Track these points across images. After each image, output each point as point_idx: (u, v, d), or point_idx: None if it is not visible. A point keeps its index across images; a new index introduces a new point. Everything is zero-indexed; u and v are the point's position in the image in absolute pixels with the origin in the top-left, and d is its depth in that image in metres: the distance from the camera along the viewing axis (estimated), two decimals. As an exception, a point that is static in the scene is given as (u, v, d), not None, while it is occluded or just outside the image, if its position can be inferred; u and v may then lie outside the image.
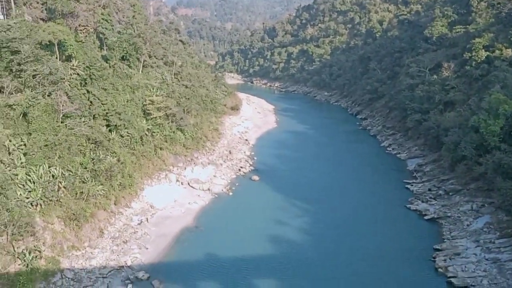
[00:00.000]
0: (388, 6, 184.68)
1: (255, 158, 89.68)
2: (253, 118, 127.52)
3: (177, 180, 69.89)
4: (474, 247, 51.34)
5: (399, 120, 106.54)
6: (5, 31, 54.14)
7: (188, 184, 69.67)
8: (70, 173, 50.00)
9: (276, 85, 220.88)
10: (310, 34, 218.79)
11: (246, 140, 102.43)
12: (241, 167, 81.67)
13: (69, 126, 53.68)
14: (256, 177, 77.31)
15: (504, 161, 57.31)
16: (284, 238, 55.09)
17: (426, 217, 61.13)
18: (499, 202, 55.91)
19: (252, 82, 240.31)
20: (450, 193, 66.39)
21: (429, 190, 69.69)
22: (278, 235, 55.74)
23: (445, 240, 54.07)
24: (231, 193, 69.82)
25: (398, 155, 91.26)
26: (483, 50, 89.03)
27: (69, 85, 58.85)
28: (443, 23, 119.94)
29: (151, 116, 74.00)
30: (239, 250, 51.60)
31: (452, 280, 45.93)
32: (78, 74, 61.72)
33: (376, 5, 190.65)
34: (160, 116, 74.94)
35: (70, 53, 63.00)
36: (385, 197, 69.48)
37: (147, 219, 57.12)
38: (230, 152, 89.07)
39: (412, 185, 73.17)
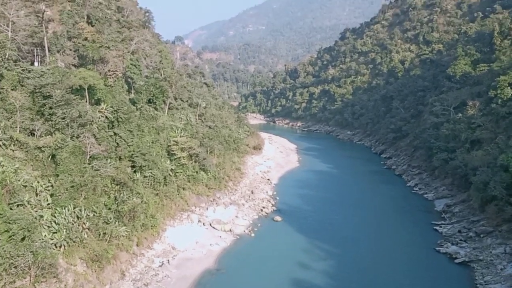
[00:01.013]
0: (410, 46, 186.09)
1: (277, 198, 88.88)
2: (275, 157, 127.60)
3: (199, 221, 69.63)
4: (511, 294, 48.34)
5: (425, 159, 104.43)
6: (38, 77, 57.16)
7: (210, 224, 69.21)
8: (95, 213, 50.63)
9: (298, 124, 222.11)
10: (332, 74, 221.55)
11: (268, 179, 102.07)
12: (263, 207, 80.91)
13: (95, 167, 54.96)
14: (278, 218, 76.25)
15: (537, 201, 54.96)
16: (309, 282, 53.31)
17: (456, 261, 58.30)
18: (535, 245, 53.03)
19: (274, 122, 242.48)
20: (481, 235, 63.48)
21: (459, 232, 66.89)
22: (302, 279, 54.04)
23: (478, 286, 51.19)
24: (253, 234, 68.83)
25: (425, 195, 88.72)
26: (508, 87, 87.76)
27: (97, 127, 60.87)
28: (466, 61, 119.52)
29: (175, 157, 75.14)
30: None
31: (488, 330, 43.05)
32: (106, 117, 63.92)
33: (397, 45, 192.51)
34: (183, 157, 76.00)
35: (99, 97, 65.62)
36: (412, 240, 66.94)
37: (168, 261, 56.62)
38: (252, 192, 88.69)
39: (441, 227, 70.48)
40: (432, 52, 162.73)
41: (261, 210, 79.81)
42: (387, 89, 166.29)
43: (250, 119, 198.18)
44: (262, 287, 52.04)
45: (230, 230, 68.47)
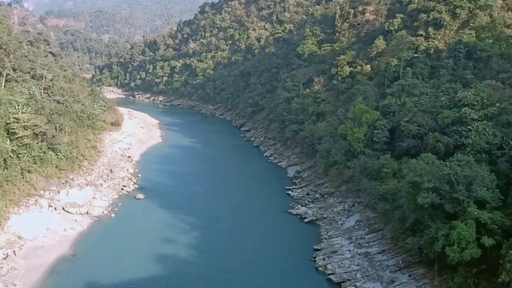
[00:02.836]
0: (265, 24, 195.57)
1: (139, 175, 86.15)
2: (136, 133, 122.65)
3: (50, 206, 63.33)
4: (348, 244, 56.51)
5: (279, 131, 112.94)
6: None
7: (63, 209, 63.63)
8: None
9: (160, 99, 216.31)
10: (193, 48, 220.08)
11: (129, 157, 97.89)
12: (124, 186, 77.66)
13: None
14: (141, 196, 74.24)
15: (368, 164, 64.70)
16: (174, 257, 53.70)
17: (305, 220, 65.53)
18: (366, 201, 62.70)
19: (134, 96, 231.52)
20: (325, 196, 72.34)
21: (307, 194, 75.00)
22: (167, 254, 54.12)
23: (323, 240, 58.53)
24: (113, 215, 65.76)
25: (279, 164, 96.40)
26: (347, 66, 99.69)
27: None
28: (313, 41, 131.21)
29: (17, 136, 66.17)
30: (125, 275, 48.69)
31: (331, 277, 49.81)
32: None
33: (254, 23, 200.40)
34: (27, 136, 67.38)
35: None
36: (269, 205, 72.62)
37: (14, 252, 50.57)
38: (111, 171, 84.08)
39: (292, 191, 77.88)
40: (284, 31, 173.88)
41: (122, 189, 76.49)
42: (245, 65, 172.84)
43: (106, 93, 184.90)
44: (125, 267, 50.52)
45: (87, 213, 64.16)
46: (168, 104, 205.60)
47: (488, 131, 52.08)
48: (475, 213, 40.16)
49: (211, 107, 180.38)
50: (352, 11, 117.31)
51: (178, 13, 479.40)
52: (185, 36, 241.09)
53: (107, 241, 57.05)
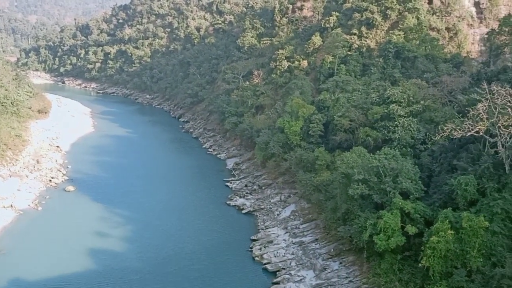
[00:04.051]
0: (204, 14, 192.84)
1: (69, 166, 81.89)
2: (66, 122, 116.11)
3: (-32, 199, 58.39)
4: (284, 234, 58.31)
5: (218, 122, 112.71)
6: None
7: (-17, 202, 58.96)
8: None
9: (92, 86, 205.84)
10: (129, 34, 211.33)
11: (58, 147, 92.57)
12: (52, 178, 73.56)
13: None
14: (71, 188, 70.75)
15: (304, 156, 66.90)
16: (106, 251, 52.00)
17: (243, 211, 66.51)
18: (301, 192, 64.95)
19: (63, 83, 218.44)
20: (263, 187, 73.83)
21: (246, 186, 76.03)
22: (99, 249, 52.28)
23: (260, 231, 59.84)
24: (40, 208, 62.15)
25: (218, 156, 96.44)
26: (285, 60, 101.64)
27: None
28: (253, 34, 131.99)
29: None
30: (53, 272, 46.42)
31: (267, 266, 51.20)
32: None
33: (193, 12, 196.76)
34: None
35: None
36: (207, 196, 72.59)
37: None
38: (38, 162, 79.10)
39: (231, 183, 78.47)
40: (224, 22, 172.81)
41: (50, 180, 72.40)
42: (184, 54, 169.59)
43: (33, 78, 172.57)
44: (54, 263, 48.07)
45: (11, 206, 60.07)
46: (101, 91, 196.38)
47: (413, 127, 56.14)
48: (400, 203, 43.29)
49: (148, 96, 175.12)
50: (291, 6, 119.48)
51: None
52: (121, 21, 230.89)
53: (33, 236, 53.90)
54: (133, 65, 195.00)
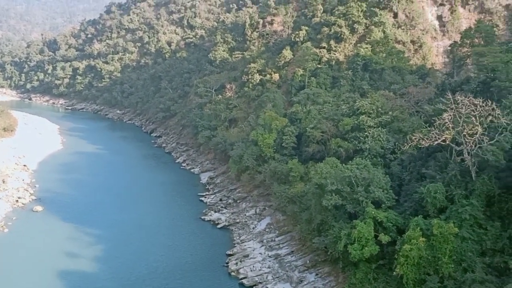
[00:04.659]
0: (175, 28, 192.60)
1: (37, 185, 79.22)
2: (33, 140, 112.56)
3: None
4: (260, 247, 58.03)
5: (191, 136, 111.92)
6: None
7: None
8: None
9: (60, 102, 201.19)
10: (98, 49, 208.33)
11: (25, 165, 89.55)
12: (19, 198, 71.00)
13: None
14: (39, 208, 68.34)
15: (278, 168, 67.17)
16: (77, 272, 50.32)
17: (218, 226, 65.84)
18: (276, 204, 64.99)
19: (30, 99, 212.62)
20: (238, 201, 73.47)
21: (220, 200, 75.47)
22: (70, 270, 50.53)
23: (236, 245, 59.32)
24: (6, 230, 59.66)
25: (192, 170, 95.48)
26: (257, 74, 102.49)
27: None
28: (224, 48, 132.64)
29: None
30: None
31: (243, 281, 50.71)
32: None
33: (164, 26, 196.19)
34: None
35: None
36: (181, 212, 71.53)
37: None
38: (3, 181, 76.21)
39: (205, 197, 77.75)
40: (195, 36, 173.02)
41: (17, 201, 69.84)
42: (155, 69, 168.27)
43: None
44: (19, 287, 45.94)
45: (-26, 229, 57.29)
46: (70, 108, 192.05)
47: (382, 137, 57.46)
48: (373, 212, 43.97)
49: (118, 111, 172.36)
50: (261, 21, 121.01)
51: (81, 12, 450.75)
52: (90, 36, 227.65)
53: (-1, 260, 51.50)
54: (103, 80, 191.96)
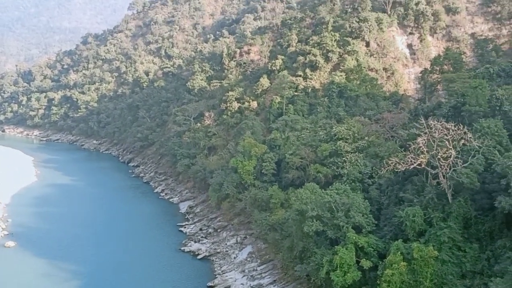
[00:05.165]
0: (153, 58, 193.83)
1: (9, 220, 76.38)
2: (6, 172, 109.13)
3: None
4: (241, 277, 56.94)
5: (170, 165, 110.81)
6: None
7: None
8: None
9: (35, 133, 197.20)
10: (74, 80, 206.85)
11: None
12: (-10, 234, 67.96)
13: None
14: (11, 243, 65.68)
15: (258, 195, 66.91)
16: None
17: (199, 257, 64.49)
18: (257, 232, 64.35)
19: (3, 131, 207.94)
20: (218, 230, 72.42)
21: (200, 229, 74.24)
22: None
23: (217, 276, 58.07)
24: (-25, 268, 56.70)
25: (171, 200, 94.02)
26: (235, 102, 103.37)
27: None
28: (202, 77, 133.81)
29: None
30: None
31: (226, 312, 49.37)
32: None
33: (141, 56, 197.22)
34: None
35: None
36: (160, 244, 69.81)
37: None
38: (-27, 217, 73.01)
39: (185, 227, 76.36)
40: (173, 66, 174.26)
41: (-13, 237, 66.75)
42: (133, 98, 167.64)
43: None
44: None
45: None
46: (44, 139, 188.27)
47: (360, 162, 58.30)
48: (354, 237, 44.03)
49: (95, 142, 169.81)
50: (239, 50, 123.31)
51: (57, 43, 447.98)
52: (66, 67, 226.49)
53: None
54: (79, 110, 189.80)
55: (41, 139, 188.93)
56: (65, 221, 79.02)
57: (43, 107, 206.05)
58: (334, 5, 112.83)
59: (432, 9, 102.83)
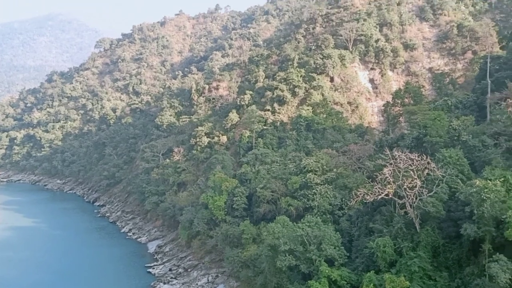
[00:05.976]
0: (120, 95, 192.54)
1: (-38, 268, 71.13)
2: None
3: None
4: (214, 318, 54.86)
5: (138, 203, 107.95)
6: None
7: None
8: None
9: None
10: (38, 118, 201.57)
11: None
12: None
13: None
14: (-37, 294, 60.82)
15: (229, 231, 65.74)
16: None
17: (169, 299, 61.91)
18: (229, 270, 62.77)
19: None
20: (189, 270, 70.14)
21: (170, 270, 71.65)
22: None
23: (188, 318, 55.70)
24: None
25: (138, 239, 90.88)
26: (205, 136, 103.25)
27: None
28: (171, 113, 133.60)
29: None
30: None
31: None
32: None
33: (109, 93, 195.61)
34: None
35: None
36: (126, 287, 66.60)
37: None
38: None
39: (153, 268, 73.55)
40: (141, 102, 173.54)
41: None
42: (99, 135, 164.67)
43: None
44: None
45: None
46: (5, 180, 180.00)
47: (330, 194, 58.81)
48: (327, 271, 43.61)
49: (58, 181, 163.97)
50: (207, 86, 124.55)
51: (21, 81, 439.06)
52: (29, 105, 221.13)
53: None
54: (43, 149, 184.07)
55: (1, 180, 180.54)
56: (26, 266, 74.45)
57: (5, 146, 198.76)
58: (298, 43, 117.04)
59: (391, 46, 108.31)
